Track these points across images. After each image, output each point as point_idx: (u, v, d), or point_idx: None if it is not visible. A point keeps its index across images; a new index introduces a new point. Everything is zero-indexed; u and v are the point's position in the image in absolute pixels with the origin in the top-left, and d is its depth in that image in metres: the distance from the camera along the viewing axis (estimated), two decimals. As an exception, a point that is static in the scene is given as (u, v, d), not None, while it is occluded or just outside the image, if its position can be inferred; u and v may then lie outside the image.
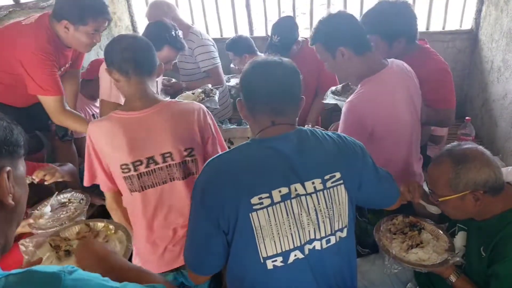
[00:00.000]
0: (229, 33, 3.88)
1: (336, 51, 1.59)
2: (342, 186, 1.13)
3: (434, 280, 1.43)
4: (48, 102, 1.93)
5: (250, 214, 1.03)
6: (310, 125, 2.41)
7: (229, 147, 2.42)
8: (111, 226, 1.43)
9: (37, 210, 1.71)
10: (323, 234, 1.11)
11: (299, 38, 2.61)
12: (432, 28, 3.61)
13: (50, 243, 1.33)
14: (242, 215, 1.04)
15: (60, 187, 1.94)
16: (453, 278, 1.34)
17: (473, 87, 3.51)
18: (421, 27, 3.52)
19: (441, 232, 1.49)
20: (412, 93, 1.70)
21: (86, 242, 1.12)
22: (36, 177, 1.73)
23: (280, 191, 1.06)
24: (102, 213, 2.22)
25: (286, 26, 2.52)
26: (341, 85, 2.19)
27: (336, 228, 1.13)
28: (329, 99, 2.13)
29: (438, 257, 1.38)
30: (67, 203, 1.80)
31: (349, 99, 1.61)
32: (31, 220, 1.62)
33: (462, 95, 3.58)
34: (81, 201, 1.81)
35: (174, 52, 2.06)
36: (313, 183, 1.09)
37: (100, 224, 1.44)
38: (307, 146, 1.13)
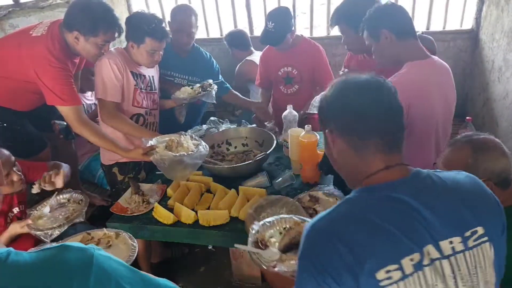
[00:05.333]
0: (229, 33, 3.87)
1: (380, 34, 1.67)
2: (487, 244, 0.87)
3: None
4: (67, 112, 1.93)
5: None
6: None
7: (227, 149, 2.43)
8: (111, 233, 1.45)
9: (36, 210, 1.71)
10: None
11: (298, 33, 2.64)
12: (433, 28, 3.60)
13: None
14: None
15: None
16: None
17: (474, 87, 3.50)
18: (421, 27, 3.54)
19: None
20: (448, 93, 1.72)
21: None
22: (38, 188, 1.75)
23: (412, 259, 0.80)
24: (102, 212, 2.22)
25: (281, 13, 2.54)
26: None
27: None
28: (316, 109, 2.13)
29: None
30: (66, 204, 1.80)
31: (389, 79, 1.64)
32: (29, 221, 1.62)
33: (463, 94, 3.58)
34: (80, 202, 1.81)
35: (157, 43, 2.03)
36: (450, 242, 0.84)
37: (99, 233, 1.46)
38: (435, 193, 0.88)
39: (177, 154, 1.82)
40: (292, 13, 2.58)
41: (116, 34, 1.95)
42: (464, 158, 1.30)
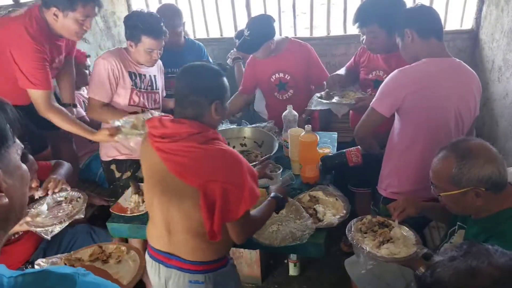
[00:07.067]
0: (229, 33, 3.88)
1: (404, 33, 1.72)
2: None
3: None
4: (36, 96, 1.91)
5: None
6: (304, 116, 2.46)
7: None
8: (122, 248, 1.42)
9: (33, 208, 1.71)
10: None
11: (282, 37, 2.59)
12: (433, 28, 3.60)
13: (65, 262, 1.33)
14: None
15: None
16: (422, 269, 1.35)
17: (473, 87, 3.49)
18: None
19: (407, 228, 1.56)
20: (465, 94, 1.71)
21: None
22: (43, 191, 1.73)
23: None
24: (102, 212, 2.22)
25: (258, 23, 2.47)
26: (325, 92, 2.19)
27: None
28: (316, 105, 2.12)
29: (408, 250, 1.45)
30: (63, 201, 1.80)
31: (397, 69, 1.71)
32: (28, 218, 1.61)
33: (463, 94, 3.57)
34: (78, 199, 1.81)
35: (153, 41, 2.03)
36: None
37: (111, 246, 1.43)
38: None
39: (142, 132, 1.86)
40: (272, 21, 2.48)
41: (96, 9, 1.91)
42: (448, 169, 1.29)
